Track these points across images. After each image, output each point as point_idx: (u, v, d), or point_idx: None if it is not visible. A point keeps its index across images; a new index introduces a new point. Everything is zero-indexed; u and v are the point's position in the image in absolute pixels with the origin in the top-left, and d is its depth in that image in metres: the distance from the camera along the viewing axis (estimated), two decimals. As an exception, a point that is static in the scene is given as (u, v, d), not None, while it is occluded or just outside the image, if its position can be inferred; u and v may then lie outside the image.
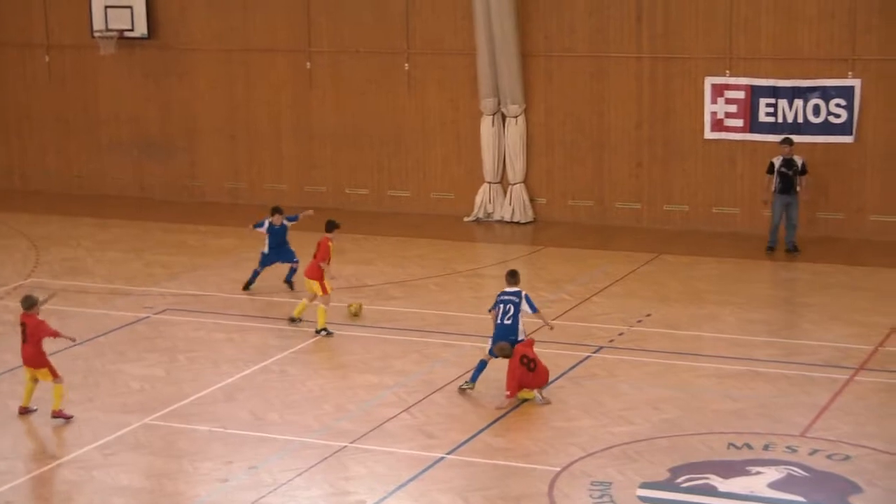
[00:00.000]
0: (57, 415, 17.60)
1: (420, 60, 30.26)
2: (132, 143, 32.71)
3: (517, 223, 29.55)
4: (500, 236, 28.70)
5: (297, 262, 23.75)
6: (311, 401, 18.40)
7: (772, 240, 26.76)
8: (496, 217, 29.76)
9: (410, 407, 18.06)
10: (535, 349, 18.39)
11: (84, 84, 32.91)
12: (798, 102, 27.65)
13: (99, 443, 16.84)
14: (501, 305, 18.63)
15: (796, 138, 27.42)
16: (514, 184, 29.71)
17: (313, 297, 21.77)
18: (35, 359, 17.69)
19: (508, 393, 18.08)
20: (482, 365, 18.64)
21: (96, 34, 31.82)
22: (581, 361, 20.00)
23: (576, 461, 16.18)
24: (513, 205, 29.71)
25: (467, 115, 29.99)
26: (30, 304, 17.90)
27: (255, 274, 24.02)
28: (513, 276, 19.02)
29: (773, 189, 26.56)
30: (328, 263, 21.63)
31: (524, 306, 18.60)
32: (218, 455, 16.54)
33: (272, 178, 31.73)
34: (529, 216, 29.73)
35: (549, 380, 18.56)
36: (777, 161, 26.56)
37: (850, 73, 27.29)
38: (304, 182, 31.44)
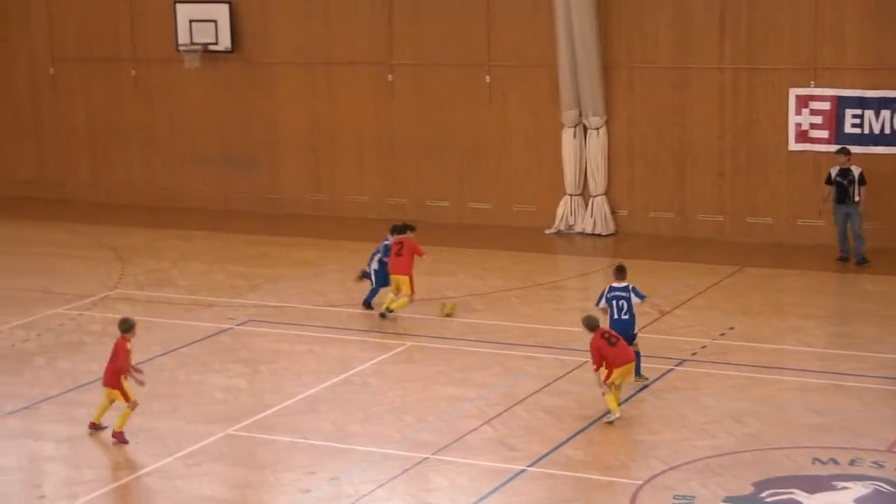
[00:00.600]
0: (115, 436, 17.51)
1: (501, 72, 30.27)
2: (216, 155, 33.01)
3: (598, 235, 29.44)
4: (582, 248, 28.60)
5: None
6: (392, 412, 18.43)
7: (842, 249, 26.57)
8: (577, 229, 29.67)
9: (492, 419, 18.04)
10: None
11: (169, 98, 33.27)
12: (885, 113, 27.36)
13: (182, 453, 16.98)
14: (614, 302, 19.23)
15: (884, 149, 27.15)
16: (596, 196, 29.61)
17: (397, 292, 22.35)
18: (110, 379, 17.72)
19: (595, 367, 17.97)
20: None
21: (181, 48, 32.17)
22: (663, 374, 19.87)
23: (658, 475, 16.07)
24: (594, 217, 29.61)
25: (548, 126, 29.95)
26: (125, 328, 17.80)
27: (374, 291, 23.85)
28: (621, 272, 19.70)
29: (831, 199, 26.36)
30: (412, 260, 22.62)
31: (634, 299, 19.29)
32: (300, 466, 16.62)
33: (354, 191, 31.87)
34: (611, 228, 29.61)
35: (633, 382, 18.49)
36: (834, 171, 26.37)
37: (938, 82, 26.96)
38: (386, 194, 31.54)
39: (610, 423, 17.65)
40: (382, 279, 23.46)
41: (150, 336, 21.74)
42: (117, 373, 17.62)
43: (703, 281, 25.22)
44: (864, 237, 26.41)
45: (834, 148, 27.36)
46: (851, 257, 26.52)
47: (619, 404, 17.95)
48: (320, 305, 23.99)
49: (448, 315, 22.49)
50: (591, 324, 18.04)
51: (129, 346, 17.68)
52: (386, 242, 23.51)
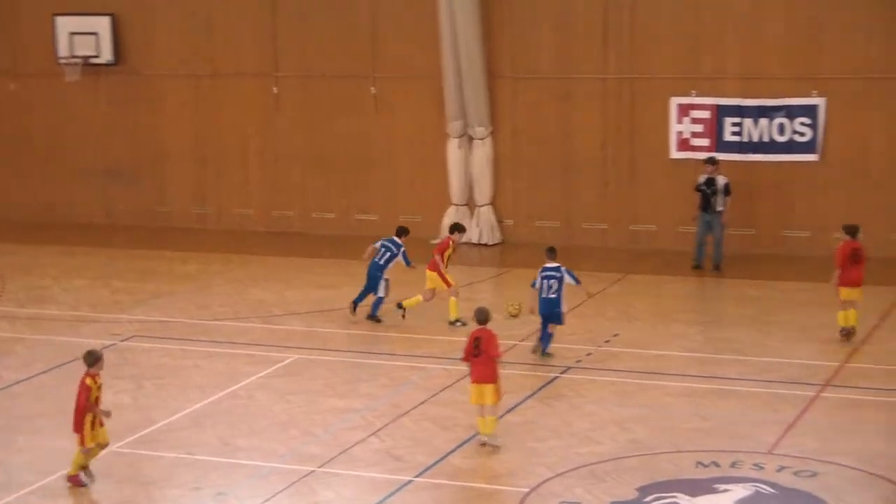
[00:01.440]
0: (70, 479, 16.40)
1: (386, 84, 30.32)
2: (99, 169, 32.63)
3: (484, 245, 29.58)
4: (468, 258, 28.70)
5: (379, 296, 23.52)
6: (278, 426, 18.34)
7: (697, 256, 26.95)
8: (463, 239, 29.75)
9: (378, 430, 18.02)
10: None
11: (50, 111, 32.85)
12: (763, 121, 27.82)
13: (66, 471, 16.71)
14: (545, 281, 20.64)
15: (762, 157, 27.67)
16: (481, 206, 29.75)
17: (431, 293, 22.98)
18: (75, 421, 16.45)
19: (462, 358, 17.52)
20: (547, 337, 20.72)
21: (62, 61, 31.78)
22: (549, 382, 20.00)
23: (544, 482, 16.16)
24: (480, 227, 29.74)
25: (434, 137, 30.06)
26: (90, 360, 16.45)
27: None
28: (551, 252, 21.07)
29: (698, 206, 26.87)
30: (443, 258, 22.91)
31: (567, 279, 20.71)
32: (185, 482, 16.46)
33: (240, 204, 31.70)
34: (497, 238, 29.77)
35: (502, 397, 17.95)
36: (701, 179, 26.77)
37: (814, 91, 27.45)
38: (272, 207, 31.42)
39: (482, 445, 17.37)
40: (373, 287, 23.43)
41: (32, 353, 21.42)
42: (80, 412, 16.16)
43: (588, 289, 25.38)
44: (720, 244, 26.76)
45: (715, 156, 27.74)
46: (707, 264, 26.88)
47: (501, 416, 17.92)
48: (206, 320, 23.82)
49: (514, 316, 21.70)
50: (479, 316, 17.62)
51: (89, 382, 16.20)
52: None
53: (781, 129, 27.72)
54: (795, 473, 16.28)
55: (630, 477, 16.26)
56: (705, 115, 28.25)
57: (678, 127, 28.46)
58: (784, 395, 19.21)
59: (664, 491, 15.86)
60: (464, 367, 18.00)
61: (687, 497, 15.68)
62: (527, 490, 15.92)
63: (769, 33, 27.73)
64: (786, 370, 20.41)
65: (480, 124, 29.45)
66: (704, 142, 28.26)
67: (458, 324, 22.71)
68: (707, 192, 26.77)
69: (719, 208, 26.76)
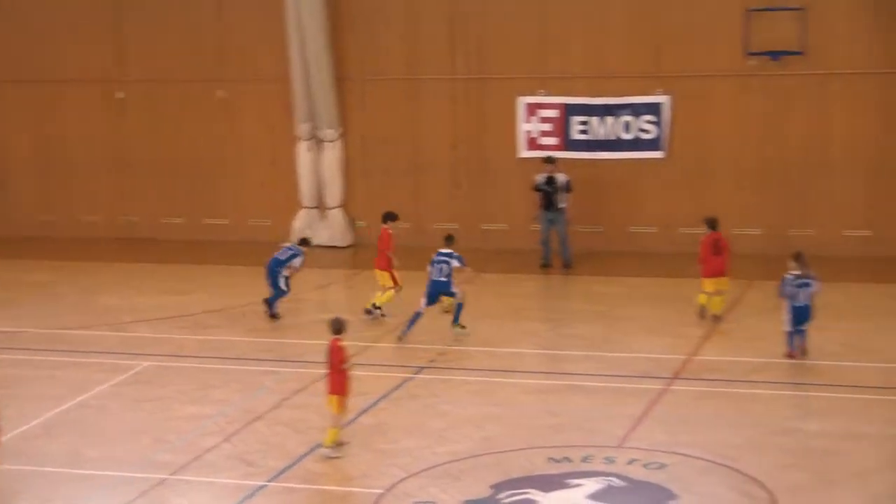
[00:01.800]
0: None
1: (235, 87, 30.14)
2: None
3: (336, 247, 29.53)
4: (320, 261, 28.57)
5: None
6: (130, 434, 18.09)
7: (544, 255, 27.25)
8: (315, 242, 29.68)
9: (231, 436, 17.88)
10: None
11: None
12: (610, 120, 28.20)
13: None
14: (438, 265, 21.96)
15: (609, 155, 28.08)
16: (332, 208, 29.70)
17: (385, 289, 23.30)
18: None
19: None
20: (416, 317, 21.73)
21: None
22: (403, 383, 20.04)
23: (398, 483, 16.18)
24: (331, 229, 29.69)
25: (283, 140, 29.94)
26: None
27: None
28: (449, 239, 22.30)
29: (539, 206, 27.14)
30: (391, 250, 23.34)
31: (455, 263, 21.95)
32: (36, 495, 16.16)
33: (86, 210, 31.22)
34: (349, 240, 29.75)
35: (345, 411, 17.81)
36: (540, 178, 27.08)
37: (658, 89, 27.91)
38: (118, 213, 31.00)
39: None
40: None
41: None
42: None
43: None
44: (566, 241, 27.13)
45: (563, 155, 28.07)
46: (555, 263, 27.22)
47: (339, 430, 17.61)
48: (55, 329, 23.42)
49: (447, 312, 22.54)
50: (334, 326, 17.50)
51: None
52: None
53: (627, 127, 28.15)
54: (645, 466, 16.53)
55: (484, 475, 16.37)
56: (553, 114, 28.56)
57: (526, 126, 28.73)
58: (633, 390, 19.50)
59: (517, 487, 15.99)
60: (315, 370, 17.95)
61: (540, 493, 15.82)
62: (380, 491, 15.93)
63: (613, 33, 28.13)
64: (635, 365, 20.72)
65: (330, 126, 29.42)
66: (553, 140, 28.56)
67: (378, 312, 23.14)
68: (549, 191, 27.08)
69: (562, 205, 27.10)
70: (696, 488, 15.82)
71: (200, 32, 30.12)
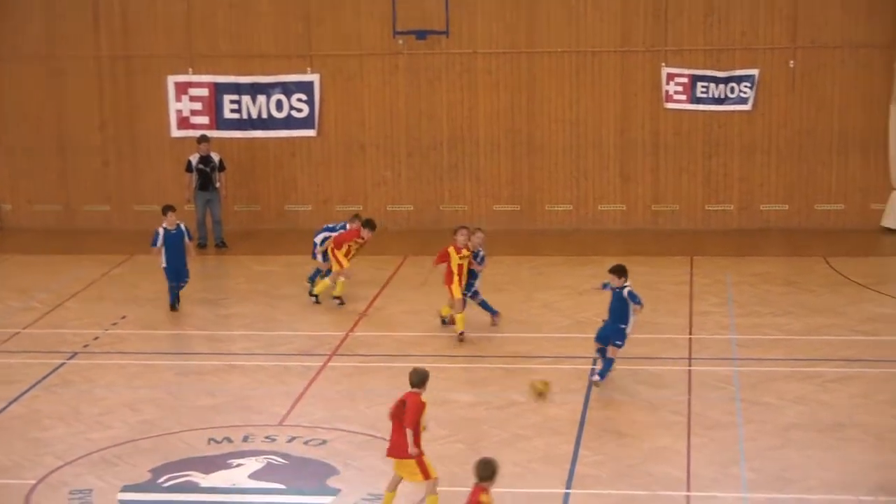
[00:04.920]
0: None
1: None
2: None
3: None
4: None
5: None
6: None
7: (200, 235, 27.09)
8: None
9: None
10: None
11: None
12: (261, 98, 28.15)
13: None
14: None
15: (263, 133, 28.05)
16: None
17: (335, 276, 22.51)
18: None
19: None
20: None
21: None
22: (55, 369, 19.52)
23: (52, 472, 15.78)
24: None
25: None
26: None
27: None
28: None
29: (194, 186, 26.93)
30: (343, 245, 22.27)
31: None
32: None
33: None
34: (-16, 223, 28.71)
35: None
36: (195, 159, 26.95)
37: (308, 68, 28.00)
38: None
39: None
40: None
41: None
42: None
43: (93, 272, 24.97)
44: (221, 221, 27.05)
45: (216, 134, 27.85)
46: (210, 242, 27.10)
47: None
48: None
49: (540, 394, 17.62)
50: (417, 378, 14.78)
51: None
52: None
53: (280, 106, 28.14)
54: (306, 443, 16.65)
55: (142, 459, 16.15)
56: (203, 92, 28.27)
57: (177, 105, 28.33)
58: (292, 368, 19.58)
59: (177, 470, 15.86)
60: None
61: (200, 475, 15.74)
62: (34, 482, 15.49)
63: (263, 12, 28.01)
64: (293, 342, 20.80)
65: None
66: (204, 119, 28.29)
67: (314, 300, 22.73)
68: (206, 171, 26.85)
69: (217, 184, 26.95)
70: (356, 462, 16.06)
71: None
